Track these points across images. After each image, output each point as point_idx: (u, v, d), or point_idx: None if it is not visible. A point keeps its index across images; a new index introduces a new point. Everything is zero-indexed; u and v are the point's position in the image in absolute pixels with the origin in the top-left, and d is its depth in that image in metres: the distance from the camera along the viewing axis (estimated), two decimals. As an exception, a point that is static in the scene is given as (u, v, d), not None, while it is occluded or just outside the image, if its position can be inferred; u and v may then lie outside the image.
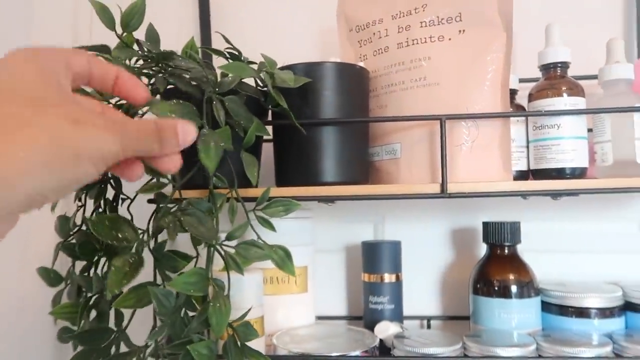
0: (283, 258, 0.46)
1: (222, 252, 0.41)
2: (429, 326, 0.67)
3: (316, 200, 0.52)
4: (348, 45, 0.62)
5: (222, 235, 0.43)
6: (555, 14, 0.70)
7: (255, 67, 0.49)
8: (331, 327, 0.62)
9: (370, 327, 0.60)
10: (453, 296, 0.69)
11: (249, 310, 0.45)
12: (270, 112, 0.54)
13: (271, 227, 0.47)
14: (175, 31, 0.73)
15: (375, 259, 0.62)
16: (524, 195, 0.50)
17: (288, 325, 0.61)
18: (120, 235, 0.37)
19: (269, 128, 0.52)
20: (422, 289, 0.69)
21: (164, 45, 0.50)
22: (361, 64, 0.55)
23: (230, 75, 0.47)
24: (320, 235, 0.71)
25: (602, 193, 0.49)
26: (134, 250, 0.37)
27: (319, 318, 0.68)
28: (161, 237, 0.45)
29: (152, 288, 0.38)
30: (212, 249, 0.41)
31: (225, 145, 0.43)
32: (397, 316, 0.62)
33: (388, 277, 0.62)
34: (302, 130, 0.48)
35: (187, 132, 0.31)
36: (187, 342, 0.38)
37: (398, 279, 0.63)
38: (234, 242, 0.44)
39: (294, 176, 0.52)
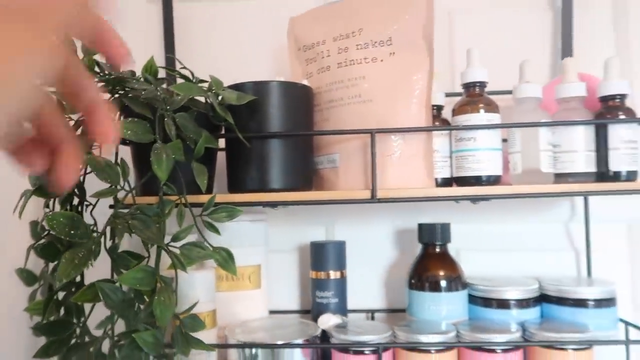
0: (226, 259, 0.51)
1: (170, 253, 0.47)
2: (372, 318, 0.74)
3: (261, 205, 0.58)
4: (297, 63, 0.68)
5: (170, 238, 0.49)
6: (491, 32, 0.77)
7: (206, 85, 0.55)
8: (281, 319, 0.67)
9: (317, 319, 0.66)
10: (395, 291, 0.76)
11: (195, 303, 0.51)
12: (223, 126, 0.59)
13: (216, 230, 0.53)
14: (140, 50, 0.78)
15: (322, 257, 0.69)
16: (445, 199, 0.56)
17: (242, 319, 0.67)
18: (73, 232, 0.42)
19: (223, 140, 0.58)
20: (367, 284, 0.76)
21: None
22: (305, 81, 0.61)
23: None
24: (276, 236, 0.77)
25: (511, 198, 0.55)
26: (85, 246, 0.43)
27: (273, 312, 0.74)
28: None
29: (99, 283, 0.43)
30: (160, 249, 0.47)
31: (176, 156, 0.49)
32: (341, 309, 0.68)
33: (333, 274, 0.68)
34: (245, 143, 0.54)
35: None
36: (135, 331, 0.44)
37: (342, 276, 0.69)
38: (181, 243, 0.50)
39: (243, 183, 0.58)
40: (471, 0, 0.79)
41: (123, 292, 0.44)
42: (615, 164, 0.56)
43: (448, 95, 0.68)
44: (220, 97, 0.53)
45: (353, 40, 0.60)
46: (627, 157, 0.56)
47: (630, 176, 0.56)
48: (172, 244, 0.48)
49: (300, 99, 0.59)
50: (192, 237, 0.60)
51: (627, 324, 0.64)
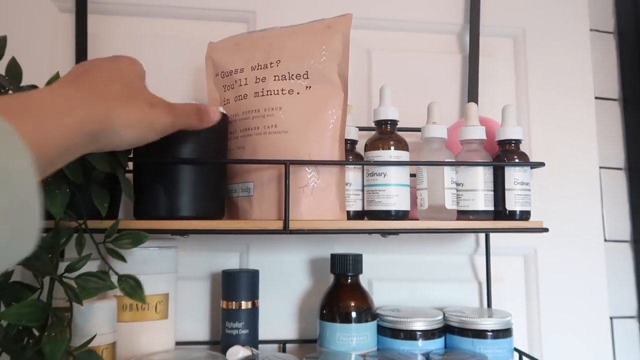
0: (133, 287, 0.49)
1: (63, 285, 0.44)
2: (284, 349, 0.73)
3: (169, 233, 0.56)
4: (214, 88, 0.67)
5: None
6: (407, 71, 0.81)
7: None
8: (188, 352, 0.65)
9: (225, 351, 0.64)
10: (308, 321, 0.76)
11: (92, 338, 0.48)
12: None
13: (121, 258, 0.50)
14: (47, 63, 0.74)
15: (233, 287, 0.67)
16: (355, 232, 0.57)
17: (147, 351, 0.64)
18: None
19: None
20: (280, 314, 0.75)
21: (36, 78, 0.53)
22: (221, 108, 0.61)
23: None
24: (188, 263, 0.75)
25: (417, 233, 0.58)
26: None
27: (181, 344, 0.71)
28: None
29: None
30: (53, 281, 0.44)
31: (74, 179, 0.47)
32: (252, 340, 0.67)
33: (245, 304, 0.67)
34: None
35: (214, 112, 0.52)
36: (19, 371, 0.40)
37: (254, 306, 0.68)
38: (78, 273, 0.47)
39: (150, 209, 0.56)
40: (389, 41, 0.83)
41: (4, 327, 0.41)
42: (511, 204, 0.60)
43: (365, 129, 0.70)
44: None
45: (271, 71, 0.61)
46: (521, 198, 0.60)
47: (524, 215, 0.60)
48: (67, 274, 0.45)
49: (215, 126, 0.59)
50: (95, 265, 0.57)
51: (520, 353, 0.68)
